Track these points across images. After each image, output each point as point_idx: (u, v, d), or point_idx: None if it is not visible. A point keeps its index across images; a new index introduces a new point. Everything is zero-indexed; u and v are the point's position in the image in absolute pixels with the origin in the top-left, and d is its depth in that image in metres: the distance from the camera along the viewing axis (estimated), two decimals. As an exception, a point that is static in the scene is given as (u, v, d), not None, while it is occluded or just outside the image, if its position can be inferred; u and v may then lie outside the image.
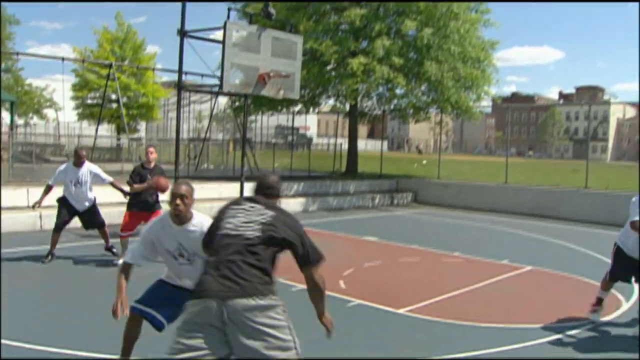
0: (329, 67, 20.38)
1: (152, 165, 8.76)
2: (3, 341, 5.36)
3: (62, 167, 8.78)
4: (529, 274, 9.45)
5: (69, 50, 33.14)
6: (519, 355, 5.64)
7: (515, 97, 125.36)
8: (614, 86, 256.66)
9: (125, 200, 9.01)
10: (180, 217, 4.14)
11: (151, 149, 8.83)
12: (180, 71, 11.92)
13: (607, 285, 6.88)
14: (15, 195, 12.20)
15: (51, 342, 5.38)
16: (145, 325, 4.57)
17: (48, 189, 8.71)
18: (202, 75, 22.26)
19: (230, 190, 16.07)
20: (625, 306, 7.43)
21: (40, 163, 21.95)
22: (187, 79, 23.03)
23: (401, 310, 6.98)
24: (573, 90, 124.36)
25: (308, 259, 3.64)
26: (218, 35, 11.87)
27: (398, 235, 13.08)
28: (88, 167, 8.82)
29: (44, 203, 8.77)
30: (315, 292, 3.74)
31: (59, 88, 23.88)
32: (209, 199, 15.80)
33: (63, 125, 35.83)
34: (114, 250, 9.09)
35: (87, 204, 8.88)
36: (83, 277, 8.10)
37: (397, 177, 23.07)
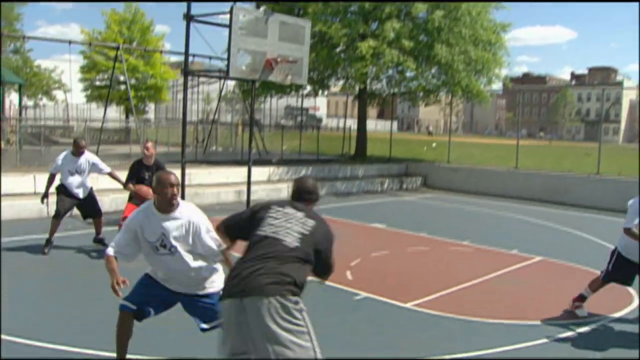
0: (337, 50, 20.15)
1: (152, 161, 8.60)
2: (3, 337, 5.33)
3: (61, 155, 8.66)
4: (538, 265, 9.33)
5: (79, 30, 32.92)
6: (525, 355, 5.54)
7: (526, 78, 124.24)
8: (627, 67, 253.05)
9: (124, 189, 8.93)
10: (173, 205, 4.19)
11: (148, 145, 8.66)
12: (186, 56, 11.75)
13: (597, 287, 6.72)
14: (22, 182, 12.18)
15: (50, 338, 5.33)
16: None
17: (51, 178, 8.66)
18: (210, 58, 22.09)
19: (237, 175, 16.01)
20: (637, 302, 7.30)
21: (48, 146, 21.93)
22: (195, 60, 22.92)
23: (408, 305, 6.89)
24: (585, 71, 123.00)
25: (321, 272, 3.84)
26: (225, 18, 11.70)
27: (406, 222, 12.98)
28: (87, 157, 8.72)
29: (52, 190, 8.76)
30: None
31: (68, 70, 23.76)
32: (216, 184, 15.76)
33: (72, 107, 35.84)
34: (106, 242, 9.05)
35: (85, 192, 8.79)
36: (84, 268, 8.03)
37: (406, 160, 22.90)
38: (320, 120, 72.92)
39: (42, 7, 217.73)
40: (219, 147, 26.07)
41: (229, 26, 11.01)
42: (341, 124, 29.71)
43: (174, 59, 43.13)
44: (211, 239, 4.30)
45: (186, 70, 11.83)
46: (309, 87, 22.09)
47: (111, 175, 8.98)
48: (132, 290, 4.40)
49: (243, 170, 14.49)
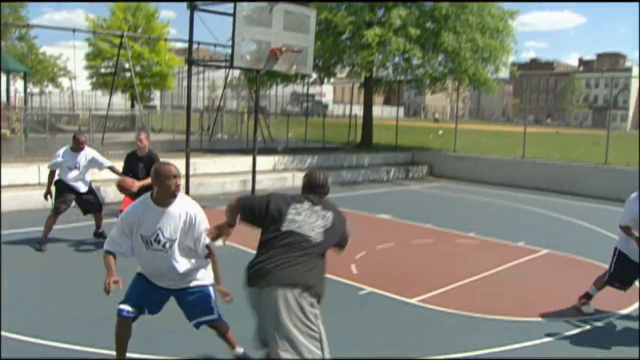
0: (343, 37, 19.98)
1: (145, 152, 8.42)
2: (3, 334, 5.32)
3: (60, 151, 8.52)
4: (545, 258, 9.24)
5: (84, 16, 32.72)
6: (531, 354, 5.47)
7: (534, 64, 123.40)
8: (636, 53, 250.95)
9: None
10: (175, 197, 4.18)
11: (142, 137, 8.45)
12: (190, 45, 11.66)
13: (602, 286, 6.63)
14: (26, 173, 12.14)
15: (51, 336, 5.31)
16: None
17: (52, 174, 8.55)
18: (215, 45, 22.02)
19: (243, 164, 15.92)
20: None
21: (54, 133, 21.91)
22: (201, 47, 22.78)
23: (413, 300, 6.83)
24: (594, 57, 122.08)
25: (341, 249, 4.15)
26: (229, 7, 11.55)
27: (412, 212, 12.90)
28: (86, 152, 8.60)
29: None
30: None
31: (73, 57, 23.70)
32: (221, 173, 15.69)
33: (78, 94, 35.78)
34: (106, 235, 8.99)
35: (84, 187, 8.72)
36: (85, 263, 7.97)
37: (412, 149, 22.79)
38: (326, 106, 72.75)
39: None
40: (224, 134, 26.02)
41: (233, 15, 10.88)
42: (347, 111, 29.59)
43: (180, 45, 42.97)
44: (205, 231, 4.27)
45: (190, 60, 11.73)
46: (314, 75, 21.95)
47: (112, 169, 8.87)
48: (129, 293, 4.32)
49: (248, 159, 14.39)
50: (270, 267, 3.67)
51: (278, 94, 33.31)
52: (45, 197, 8.55)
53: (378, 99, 26.88)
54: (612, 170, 16.84)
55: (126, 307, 4.25)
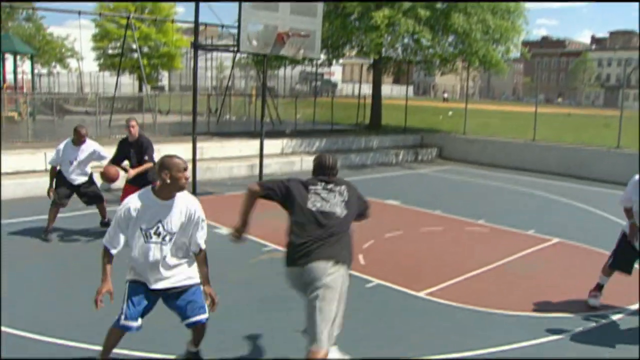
0: (352, 19, 19.70)
1: (136, 137, 8.35)
2: (3, 329, 5.28)
3: (62, 145, 8.38)
4: (555, 247, 9.12)
5: (91, -4, 32.70)
6: (539, 353, 5.38)
7: (545, 42, 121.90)
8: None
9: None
10: (183, 190, 4.16)
11: (132, 123, 8.35)
12: (196, 30, 11.50)
13: (609, 271, 6.58)
14: (33, 160, 12.09)
15: (52, 333, 5.27)
16: (145, 324, 4.41)
17: (53, 170, 8.41)
18: (223, 26, 21.80)
19: (250, 148, 15.82)
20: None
21: (62, 116, 21.87)
22: (208, 28, 22.60)
23: (421, 293, 6.74)
24: (606, 35, 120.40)
25: (365, 214, 4.64)
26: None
27: (421, 198, 12.77)
28: (88, 145, 8.48)
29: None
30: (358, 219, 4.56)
31: (79, 38, 23.56)
32: (229, 157, 15.60)
33: (86, 75, 35.71)
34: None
35: (84, 178, 8.63)
36: (89, 254, 7.90)
37: (421, 130, 22.60)
38: (335, 85, 72.36)
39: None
40: (232, 116, 25.89)
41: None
42: (357, 90, 29.32)
43: (187, 25, 42.64)
44: (202, 229, 4.27)
45: (196, 44, 11.58)
46: (323, 56, 21.71)
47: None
48: (131, 308, 4.21)
49: (256, 142, 14.30)
50: (309, 247, 4.07)
51: (287, 73, 33.09)
52: (49, 194, 8.42)
53: (387, 79, 26.59)
54: (624, 154, 16.59)
55: (135, 324, 4.20)
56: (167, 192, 4.09)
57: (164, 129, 18.42)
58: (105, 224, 9.01)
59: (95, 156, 8.60)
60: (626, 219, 6.45)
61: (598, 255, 8.56)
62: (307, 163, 16.27)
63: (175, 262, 4.24)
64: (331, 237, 4.13)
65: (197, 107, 12.16)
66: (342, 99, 31.30)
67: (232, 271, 7.40)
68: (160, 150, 14.02)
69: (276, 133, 18.57)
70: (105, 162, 8.77)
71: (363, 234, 8.94)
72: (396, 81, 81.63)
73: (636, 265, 6.54)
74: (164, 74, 37.05)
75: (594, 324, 6.05)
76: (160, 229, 4.09)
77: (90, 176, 8.75)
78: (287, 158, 16.42)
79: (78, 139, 8.39)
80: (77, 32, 25.86)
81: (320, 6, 11.94)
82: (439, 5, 19.32)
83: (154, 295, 4.28)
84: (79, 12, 19.43)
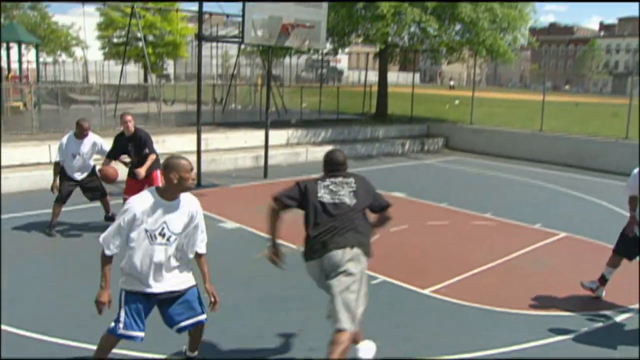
0: (357, 8, 19.53)
1: (132, 132, 8.26)
2: (3, 327, 5.26)
3: (64, 139, 8.30)
4: (563, 242, 9.04)
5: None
6: (545, 354, 5.32)
7: (553, 29, 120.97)
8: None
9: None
10: (189, 191, 4.15)
11: (127, 118, 8.22)
12: (200, 21, 11.40)
13: (615, 262, 6.60)
14: (38, 152, 12.05)
15: (53, 332, 5.24)
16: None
17: (57, 166, 8.32)
18: (228, 15, 21.66)
19: (256, 138, 15.74)
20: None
21: (67, 106, 21.86)
22: (213, 17, 22.47)
23: (427, 291, 6.69)
24: (615, 21, 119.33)
25: (380, 207, 4.73)
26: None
27: (427, 190, 12.69)
28: (90, 138, 8.40)
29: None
30: (382, 222, 4.82)
31: (84, 26, 23.51)
32: (233, 148, 15.53)
33: (91, 64, 35.66)
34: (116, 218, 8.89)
35: (86, 172, 8.56)
36: (93, 249, 7.89)
37: (428, 120, 22.46)
38: (341, 72, 72.03)
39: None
40: (238, 105, 25.81)
41: (244, -10, 10.60)
42: (362, 77, 29.14)
43: (192, 13, 42.40)
44: (202, 232, 4.31)
45: (200, 36, 11.48)
46: (329, 46, 21.56)
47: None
48: (133, 319, 4.16)
49: (261, 133, 14.23)
50: (323, 237, 4.30)
51: (292, 61, 32.91)
52: (53, 190, 8.37)
53: (394, 67, 26.42)
54: (632, 146, 16.39)
55: (140, 334, 4.18)
56: (172, 193, 4.06)
57: (169, 119, 18.38)
58: (109, 218, 8.97)
59: (97, 149, 8.55)
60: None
61: (605, 250, 8.39)
62: (312, 154, 16.20)
63: (175, 264, 4.21)
64: (343, 226, 4.33)
65: (201, 99, 12.08)
66: (348, 87, 31.15)
67: (236, 267, 7.37)
68: (165, 142, 14.09)
69: (282, 123, 18.49)
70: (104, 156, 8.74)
71: (368, 228, 8.89)
72: (403, 68, 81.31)
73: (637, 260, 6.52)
74: (170, 63, 36.87)
75: (600, 324, 5.98)
76: (165, 230, 4.06)
77: (93, 170, 8.71)
78: (293, 149, 16.35)
79: (80, 132, 8.33)
80: (82, 21, 25.83)
81: (325, -3, 11.82)
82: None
83: (151, 301, 4.23)
84: (83, 0, 19.31)
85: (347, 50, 24.59)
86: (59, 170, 8.35)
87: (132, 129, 8.26)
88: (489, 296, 6.57)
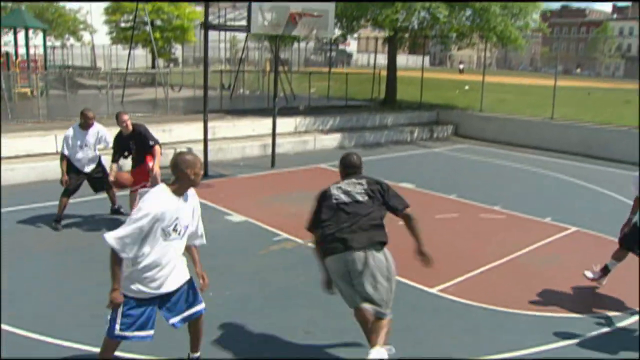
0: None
1: (131, 130, 8.20)
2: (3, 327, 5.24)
3: (70, 131, 8.21)
4: (573, 237, 8.91)
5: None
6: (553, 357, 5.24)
7: (565, 11, 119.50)
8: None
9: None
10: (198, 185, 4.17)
11: (124, 118, 8.15)
12: (206, 10, 11.26)
13: (621, 255, 6.59)
14: (44, 142, 11.98)
15: (55, 333, 5.20)
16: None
17: (64, 158, 8.24)
18: (234, 3, 21.46)
19: (263, 126, 15.61)
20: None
21: (74, 91, 21.80)
22: (220, 4, 22.28)
23: (434, 290, 6.61)
24: (629, 3, 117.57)
25: (396, 208, 4.78)
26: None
27: (436, 181, 12.56)
28: (96, 129, 8.33)
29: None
30: (411, 229, 4.85)
31: (92, 11, 23.38)
32: (241, 137, 15.42)
33: (99, 48, 35.54)
34: (122, 210, 8.84)
35: (93, 164, 8.50)
36: (93, 247, 7.80)
37: (437, 107, 22.24)
38: (350, 55, 71.57)
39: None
40: (246, 90, 25.66)
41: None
42: (372, 60, 28.87)
43: (200, -4, 42.13)
44: (200, 222, 4.40)
45: (206, 25, 11.34)
46: (337, 31, 21.33)
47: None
48: (143, 320, 4.14)
49: (269, 121, 14.10)
50: (341, 234, 4.46)
51: (301, 44, 32.68)
52: (63, 184, 8.27)
53: (403, 51, 26.15)
54: (644, 134, 16.19)
55: (150, 333, 4.19)
56: (184, 189, 4.11)
57: (177, 105, 18.29)
58: (115, 210, 8.94)
59: (102, 140, 8.48)
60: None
61: (615, 245, 8.32)
62: (320, 142, 16.08)
63: (180, 259, 4.28)
64: (361, 224, 4.50)
65: (207, 91, 11.96)
66: (356, 71, 30.87)
67: (240, 263, 7.30)
68: (172, 131, 14.02)
69: (289, 110, 18.35)
70: (106, 146, 8.66)
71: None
72: (412, 51, 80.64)
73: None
74: (178, 47, 36.70)
75: (607, 329, 5.86)
76: (178, 225, 4.09)
77: (99, 161, 8.64)
78: (301, 137, 16.22)
79: (86, 123, 8.25)
80: (89, 5, 25.69)
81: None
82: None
83: (155, 301, 4.20)
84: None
85: (355, 35, 24.33)
86: (67, 162, 8.26)
87: (130, 127, 8.20)
88: (497, 296, 6.48)
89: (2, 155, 11.09)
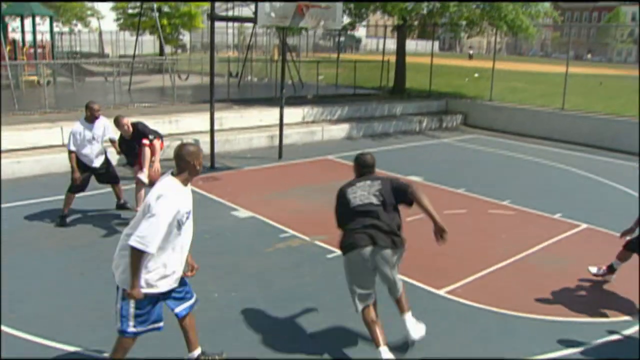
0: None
1: (132, 132, 8.14)
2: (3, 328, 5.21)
3: (76, 127, 8.07)
4: (584, 235, 8.78)
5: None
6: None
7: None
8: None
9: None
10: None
11: (124, 121, 8.07)
12: (212, 4, 11.13)
13: (625, 256, 6.59)
14: (50, 134, 11.91)
15: (56, 335, 5.15)
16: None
17: (72, 154, 8.12)
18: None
19: (271, 117, 15.47)
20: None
21: (81, 79, 21.74)
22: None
23: (441, 292, 6.53)
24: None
25: (406, 197, 4.97)
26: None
27: (444, 174, 12.42)
28: (101, 122, 8.23)
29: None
30: (425, 211, 4.91)
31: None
32: (248, 127, 15.31)
33: (106, 34, 35.41)
34: (128, 205, 8.78)
35: (101, 158, 8.42)
36: (105, 240, 7.81)
37: (446, 95, 22.03)
38: (359, 40, 70.99)
39: None
40: (254, 77, 25.53)
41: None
42: (381, 45, 28.57)
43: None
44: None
45: (212, 16, 11.21)
46: (346, 19, 21.10)
47: (113, 143, 8.60)
48: (154, 313, 4.21)
49: (276, 111, 13.96)
50: (360, 233, 4.76)
51: (310, 31, 32.39)
52: (76, 182, 8.15)
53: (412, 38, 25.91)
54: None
55: (162, 324, 4.28)
56: (190, 179, 4.18)
57: (184, 94, 18.20)
58: (120, 205, 8.87)
59: (107, 132, 8.41)
60: None
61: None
62: (328, 132, 15.94)
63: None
64: (378, 224, 4.78)
65: (214, 82, 11.86)
66: (365, 58, 30.59)
67: (246, 261, 7.23)
68: (179, 122, 13.92)
69: (297, 99, 18.21)
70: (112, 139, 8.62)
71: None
72: (421, 36, 79.95)
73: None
74: (185, 33, 36.47)
75: (617, 336, 5.73)
76: (189, 215, 4.18)
77: (106, 156, 8.58)
78: (308, 127, 16.07)
79: (91, 115, 8.14)
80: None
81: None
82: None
83: (164, 295, 4.26)
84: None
85: (364, 23, 24.09)
86: (75, 158, 8.14)
87: (130, 129, 8.13)
88: (505, 298, 6.39)
89: (9, 147, 11.05)
